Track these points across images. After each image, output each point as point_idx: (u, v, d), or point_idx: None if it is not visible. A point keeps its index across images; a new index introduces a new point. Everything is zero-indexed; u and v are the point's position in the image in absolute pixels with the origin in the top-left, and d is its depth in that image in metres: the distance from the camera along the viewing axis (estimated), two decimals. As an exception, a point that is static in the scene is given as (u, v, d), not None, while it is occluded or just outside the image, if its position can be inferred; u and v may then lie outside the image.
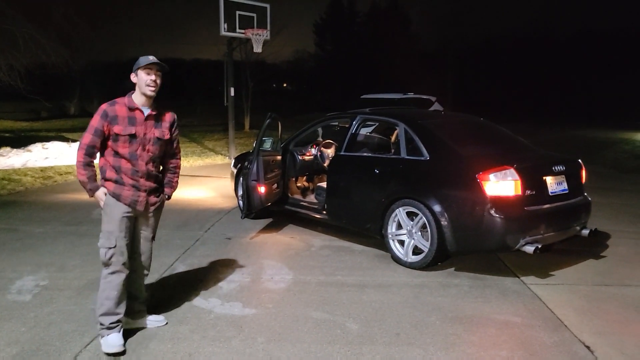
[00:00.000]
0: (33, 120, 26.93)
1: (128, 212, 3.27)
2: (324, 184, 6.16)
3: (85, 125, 3.27)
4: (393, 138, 6.53)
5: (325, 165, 6.68)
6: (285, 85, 54.33)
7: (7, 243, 5.56)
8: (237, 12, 11.69)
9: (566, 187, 4.92)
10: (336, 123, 7.42)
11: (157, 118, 3.34)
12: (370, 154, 5.91)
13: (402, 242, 5.04)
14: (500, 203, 4.47)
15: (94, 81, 29.31)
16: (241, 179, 6.77)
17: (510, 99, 33.73)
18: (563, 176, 4.93)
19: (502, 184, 4.49)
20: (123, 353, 3.19)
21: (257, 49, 12.28)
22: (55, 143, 12.60)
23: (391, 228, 5.10)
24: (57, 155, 11.84)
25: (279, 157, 6.37)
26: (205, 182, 9.84)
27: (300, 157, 6.78)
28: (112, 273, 3.24)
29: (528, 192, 4.58)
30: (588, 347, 3.36)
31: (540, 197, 4.68)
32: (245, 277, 4.64)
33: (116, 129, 3.18)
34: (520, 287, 4.45)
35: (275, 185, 6.21)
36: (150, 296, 3.76)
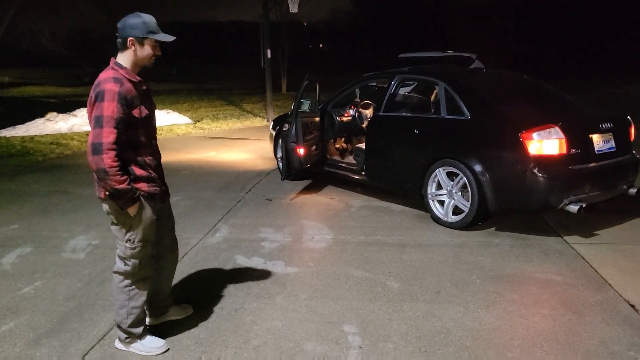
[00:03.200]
0: (76, 86, 27.61)
1: (157, 212, 2.82)
2: (362, 145, 6.15)
3: None
4: (433, 97, 6.42)
5: (363, 126, 6.65)
6: (321, 46, 53.65)
7: (59, 204, 5.83)
8: (273, -28, 11.52)
9: (613, 145, 4.76)
10: (374, 83, 7.33)
11: (147, 86, 2.78)
12: (409, 114, 5.84)
13: (442, 202, 5.03)
14: (543, 162, 4.38)
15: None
16: (280, 141, 6.82)
17: (557, 54, 32.35)
18: (610, 134, 4.77)
19: (546, 143, 4.38)
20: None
21: (293, 9, 12.15)
22: (98, 108, 12.93)
23: (431, 188, 5.08)
24: (101, 119, 12.17)
25: (317, 119, 6.37)
26: (245, 144, 9.96)
27: (338, 119, 6.76)
28: (142, 280, 2.83)
29: (573, 150, 4.46)
30: (633, 306, 3.32)
31: (585, 156, 4.56)
32: (287, 236, 4.74)
33: (135, 112, 2.60)
34: (563, 246, 4.40)
35: (314, 147, 6.24)
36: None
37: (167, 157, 8.27)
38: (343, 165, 6.38)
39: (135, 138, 2.65)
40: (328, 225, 5.02)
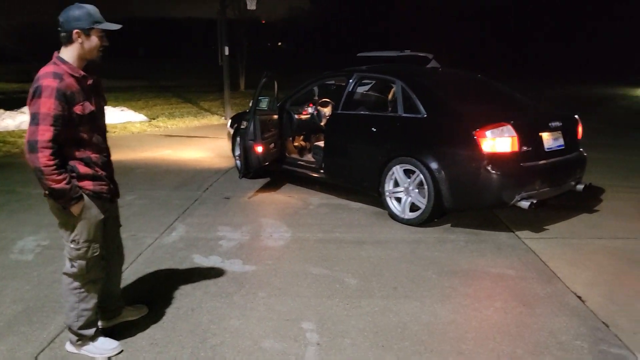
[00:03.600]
0: (25, 82, 26.53)
1: (105, 211, 2.74)
2: (321, 143, 6.16)
3: None
4: (390, 96, 6.49)
5: (322, 124, 6.66)
6: (280, 44, 53.50)
7: (7, 204, 5.60)
8: (230, -32, 11.40)
9: (562, 143, 4.94)
10: (333, 81, 7.36)
11: (95, 81, 2.67)
12: (367, 112, 5.89)
13: (399, 200, 5.09)
14: (496, 159, 4.49)
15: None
16: (238, 139, 6.76)
17: (510, 55, 33.36)
18: (559, 132, 4.94)
19: (499, 141, 4.50)
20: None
21: (251, 6, 12.05)
22: (48, 105, 12.46)
23: (388, 185, 5.14)
24: (52, 117, 11.74)
25: (276, 117, 6.35)
26: (202, 142, 9.82)
27: (297, 117, 6.75)
28: (92, 282, 2.74)
29: (524, 148, 4.60)
30: (580, 298, 3.46)
31: (536, 153, 4.71)
32: (245, 235, 4.70)
33: (77, 109, 2.49)
34: (515, 241, 4.53)
35: (272, 145, 6.21)
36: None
37: (121, 156, 8.09)
38: (302, 163, 6.38)
39: (79, 135, 2.54)
40: (286, 223, 5.01)
